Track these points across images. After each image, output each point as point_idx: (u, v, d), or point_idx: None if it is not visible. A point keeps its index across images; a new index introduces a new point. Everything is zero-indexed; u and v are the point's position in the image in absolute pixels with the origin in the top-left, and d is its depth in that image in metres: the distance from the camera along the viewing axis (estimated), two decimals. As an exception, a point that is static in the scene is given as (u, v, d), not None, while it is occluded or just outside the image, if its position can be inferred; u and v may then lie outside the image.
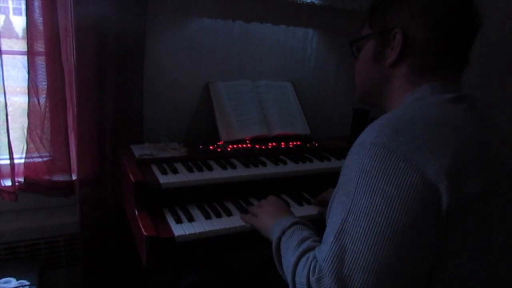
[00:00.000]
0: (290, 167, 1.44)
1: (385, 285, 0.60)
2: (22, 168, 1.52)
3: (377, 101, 0.87)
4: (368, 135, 0.68)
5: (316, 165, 1.49)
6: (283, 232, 0.86)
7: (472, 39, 0.78)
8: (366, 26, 0.86)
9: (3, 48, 1.41)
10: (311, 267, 0.68)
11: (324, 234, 0.72)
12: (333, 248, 0.65)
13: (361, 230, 0.63)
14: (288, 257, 0.78)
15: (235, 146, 1.56)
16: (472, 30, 0.77)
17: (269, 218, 1.01)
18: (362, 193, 0.64)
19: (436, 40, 0.75)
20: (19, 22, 1.51)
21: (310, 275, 0.67)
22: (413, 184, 0.61)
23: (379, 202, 0.62)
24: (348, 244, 0.63)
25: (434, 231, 0.62)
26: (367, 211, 0.63)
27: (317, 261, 0.68)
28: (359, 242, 0.62)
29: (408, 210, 0.61)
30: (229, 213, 1.24)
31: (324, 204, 1.27)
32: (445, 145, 0.64)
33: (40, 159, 1.53)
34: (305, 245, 0.76)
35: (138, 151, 1.42)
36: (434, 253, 0.63)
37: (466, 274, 0.66)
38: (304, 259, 0.72)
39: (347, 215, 0.65)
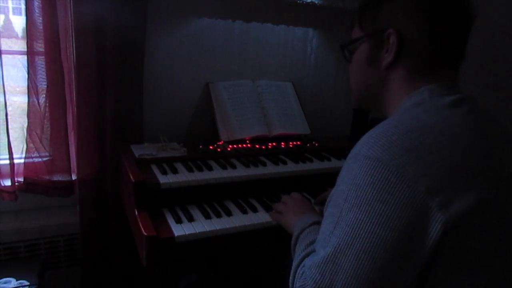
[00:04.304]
0: (290, 167, 1.44)
1: None
2: (22, 168, 1.52)
3: (374, 105, 0.85)
4: (363, 146, 0.66)
5: (316, 165, 1.49)
6: (302, 231, 0.86)
7: (468, 32, 0.75)
8: (356, 28, 0.83)
9: (3, 48, 1.41)
10: (300, 273, 0.69)
11: (315, 243, 0.72)
12: (318, 258, 0.65)
13: (344, 243, 0.62)
14: (296, 256, 0.79)
15: (235, 146, 1.56)
16: (467, 23, 0.75)
17: (292, 215, 1.02)
18: (350, 206, 0.64)
19: (432, 37, 0.72)
20: (18, 22, 1.51)
21: (297, 282, 0.68)
22: (402, 201, 0.60)
23: (365, 218, 0.61)
24: (331, 256, 0.63)
25: (421, 251, 0.60)
26: (353, 225, 0.62)
27: (305, 269, 0.68)
28: (341, 255, 0.62)
29: (393, 228, 0.59)
30: (229, 213, 1.23)
31: (324, 203, 1.27)
32: (441, 158, 0.62)
33: (40, 159, 1.52)
34: (310, 249, 0.76)
35: (138, 151, 1.42)
36: (418, 271, 0.61)
37: None
38: (302, 265, 0.73)
39: (334, 227, 0.65)
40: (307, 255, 0.74)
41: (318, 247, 0.69)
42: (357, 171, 0.64)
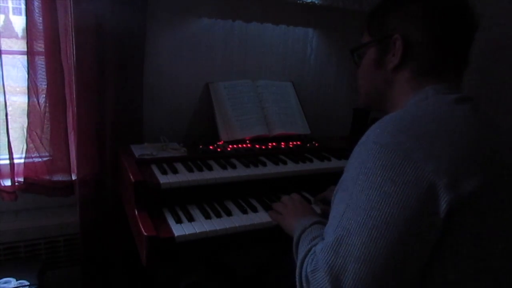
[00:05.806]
0: (290, 167, 1.44)
1: (377, 277, 0.61)
2: (22, 168, 1.52)
3: (381, 105, 0.89)
4: (371, 134, 0.70)
5: (316, 165, 1.49)
6: (303, 231, 0.87)
7: (471, 39, 0.80)
8: (366, 34, 0.88)
9: (3, 48, 1.41)
10: (310, 260, 0.70)
11: (325, 230, 0.73)
12: (330, 240, 0.67)
13: (356, 224, 0.64)
14: (300, 252, 0.80)
15: (235, 146, 1.56)
16: (469, 31, 0.79)
17: (293, 217, 1.03)
18: (361, 189, 0.66)
19: (435, 43, 0.77)
20: (19, 22, 1.51)
21: (308, 267, 0.69)
22: (411, 181, 0.62)
23: (376, 198, 0.64)
24: (344, 237, 0.65)
25: (430, 229, 0.62)
26: (365, 206, 0.64)
27: (316, 254, 0.70)
28: (354, 235, 0.64)
29: (403, 207, 0.62)
30: (229, 213, 1.24)
31: (325, 202, 1.27)
32: (446, 143, 0.65)
33: (40, 159, 1.52)
34: (316, 240, 0.78)
35: (138, 151, 1.42)
36: (428, 250, 0.64)
37: (463, 273, 0.66)
38: (310, 253, 0.74)
39: (345, 210, 0.67)
40: (315, 245, 0.75)
41: (328, 232, 0.70)
42: (366, 156, 0.67)
